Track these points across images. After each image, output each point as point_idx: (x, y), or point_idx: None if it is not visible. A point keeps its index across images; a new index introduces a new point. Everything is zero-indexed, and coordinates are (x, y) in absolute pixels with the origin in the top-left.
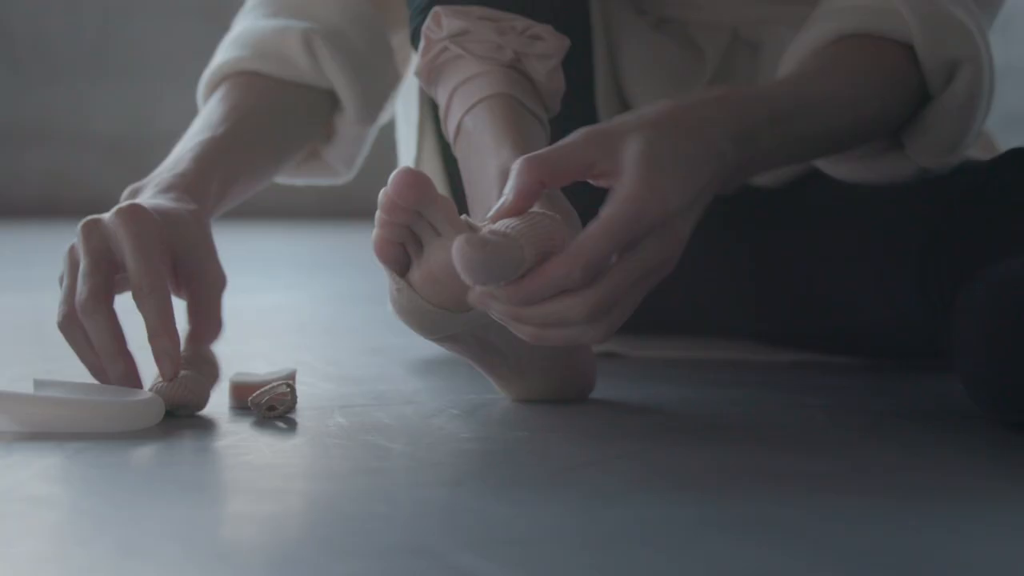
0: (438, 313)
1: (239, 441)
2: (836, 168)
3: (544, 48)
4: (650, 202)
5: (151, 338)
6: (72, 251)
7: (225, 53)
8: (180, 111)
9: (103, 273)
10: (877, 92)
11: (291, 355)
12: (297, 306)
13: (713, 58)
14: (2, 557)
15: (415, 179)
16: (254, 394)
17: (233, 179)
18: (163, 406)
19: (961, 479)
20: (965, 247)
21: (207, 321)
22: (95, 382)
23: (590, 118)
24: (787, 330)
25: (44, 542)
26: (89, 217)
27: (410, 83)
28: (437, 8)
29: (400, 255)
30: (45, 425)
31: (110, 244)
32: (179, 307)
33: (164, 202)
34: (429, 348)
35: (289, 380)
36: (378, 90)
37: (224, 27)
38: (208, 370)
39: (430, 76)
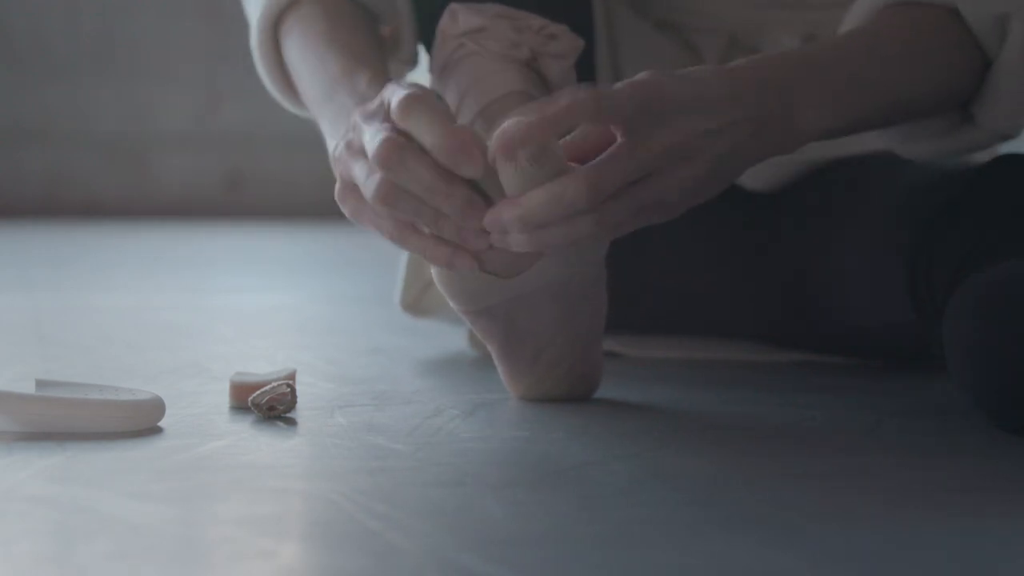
0: (486, 279)
1: (239, 441)
2: (910, 147)
3: (559, 47)
4: (644, 84)
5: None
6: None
7: None
8: (180, 111)
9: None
10: (930, 56)
11: (291, 355)
12: (297, 306)
13: (710, 62)
14: (2, 557)
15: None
16: (254, 394)
17: None
18: (163, 406)
19: (961, 479)
20: (954, 251)
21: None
22: (95, 382)
23: None
24: (785, 331)
25: (44, 542)
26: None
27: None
28: (454, 4)
29: None
30: (45, 425)
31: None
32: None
33: None
34: (429, 348)
35: (289, 380)
36: (416, 31)
37: (224, 28)
38: None
39: (443, 72)
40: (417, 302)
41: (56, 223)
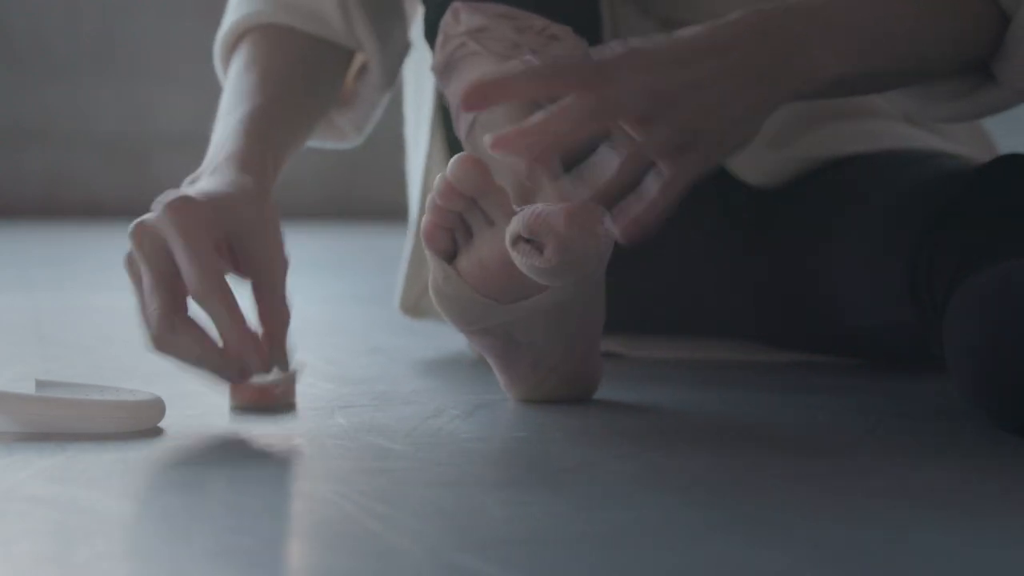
0: (484, 303)
1: (239, 441)
2: (933, 109)
3: (562, 49)
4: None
5: (227, 342)
6: (131, 262)
7: (244, 7)
8: (180, 111)
9: (168, 285)
10: (946, 11)
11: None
12: (297, 306)
13: None
14: (2, 557)
15: (476, 166)
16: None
17: (284, 146)
18: (163, 406)
19: (961, 479)
20: (954, 251)
21: (272, 308)
22: (95, 382)
23: None
24: (785, 331)
25: (44, 542)
26: (136, 221)
27: (419, 84)
28: (456, 3)
29: (449, 242)
30: (45, 425)
31: (164, 246)
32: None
33: (218, 185)
34: (429, 348)
35: (292, 375)
36: (397, 54)
37: None
38: (283, 358)
39: (444, 71)
40: (416, 305)
41: (56, 223)
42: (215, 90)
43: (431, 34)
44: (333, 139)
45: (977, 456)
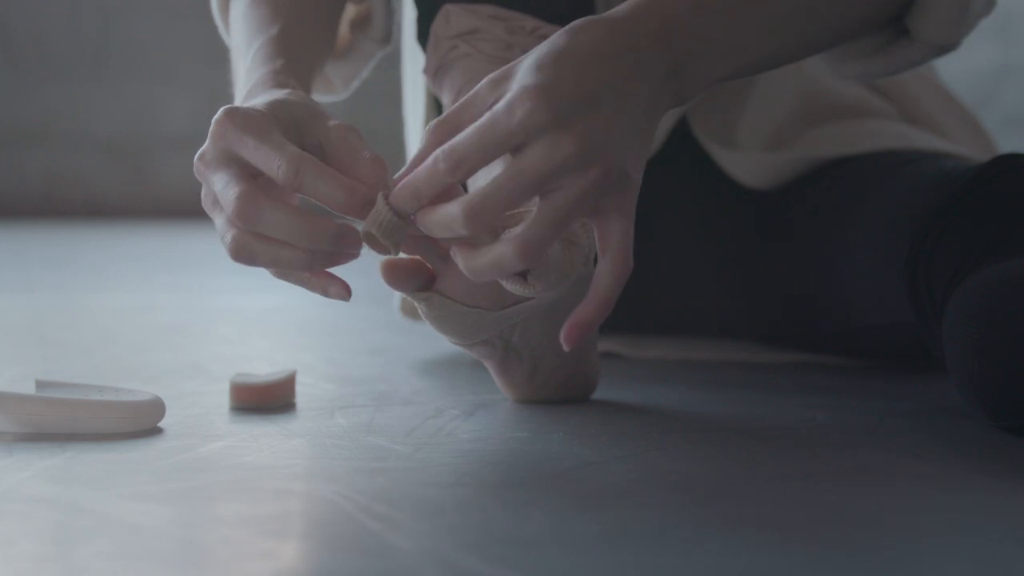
0: (476, 313)
1: (239, 442)
2: (845, 67)
3: None
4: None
5: (348, 192)
6: (207, 197)
7: None
8: (180, 111)
9: (244, 174)
10: None
11: (291, 355)
12: (297, 306)
13: None
14: (2, 557)
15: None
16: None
17: (309, 66)
18: (163, 407)
19: (961, 479)
20: (954, 252)
21: (365, 166)
22: (95, 382)
23: None
24: (785, 331)
25: (44, 542)
26: (196, 156)
27: (417, 83)
28: (447, 5)
29: (416, 278)
30: (45, 425)
31: (232, 154)
32: None
33: (258, 101)
34: (429, 348)
35: (292, 375)
36: (394, 9)
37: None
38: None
39: (437, 73)
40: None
41: (56, 223)
42: (215, 90)
43: (423, 36)
44: (321, 90)
45: (977, 456)
